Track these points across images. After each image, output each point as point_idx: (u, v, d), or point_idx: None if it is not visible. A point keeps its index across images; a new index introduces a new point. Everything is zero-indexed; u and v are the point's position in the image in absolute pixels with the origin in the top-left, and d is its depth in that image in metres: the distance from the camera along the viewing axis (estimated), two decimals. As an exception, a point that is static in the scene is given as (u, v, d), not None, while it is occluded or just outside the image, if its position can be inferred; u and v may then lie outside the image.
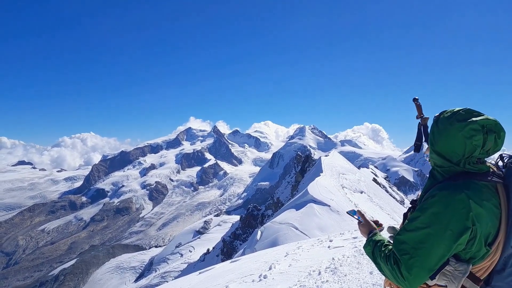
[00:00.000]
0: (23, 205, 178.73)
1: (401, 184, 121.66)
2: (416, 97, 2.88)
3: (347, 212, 2.39)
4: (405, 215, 2.00)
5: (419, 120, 2.79)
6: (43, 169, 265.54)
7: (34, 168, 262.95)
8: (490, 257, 1.68)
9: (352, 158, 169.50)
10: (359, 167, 54.28)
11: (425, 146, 2.81)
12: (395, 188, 57.38)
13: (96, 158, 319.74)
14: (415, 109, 2.88)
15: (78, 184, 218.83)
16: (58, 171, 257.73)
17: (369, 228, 2.07)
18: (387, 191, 42.34)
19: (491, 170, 1.76)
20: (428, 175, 1.95)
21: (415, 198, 1.98)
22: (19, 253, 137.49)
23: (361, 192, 28.53)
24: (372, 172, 54.13)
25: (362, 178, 35.04)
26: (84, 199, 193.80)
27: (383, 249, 1.81)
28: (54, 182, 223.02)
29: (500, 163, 1.86)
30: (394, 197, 40.14)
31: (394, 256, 1.70)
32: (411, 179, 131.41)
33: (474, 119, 1.69)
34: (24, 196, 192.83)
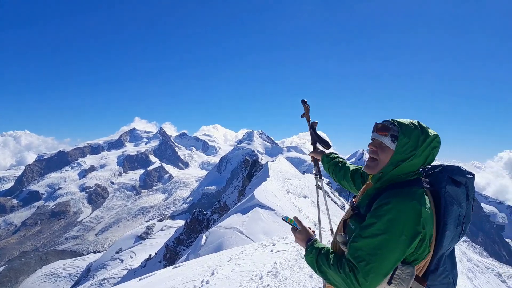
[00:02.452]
0: None
1: (342, 189, 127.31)
2: (305, 100, 3.07)
3: (282, 219, 2.29)
4: (345, 221, 1.98)
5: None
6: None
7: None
8: (426, 258, 1.79)
9: (298, 163, 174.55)
10: (303, 173, 55.90)
11: (320, 147, 3.02)
12: (336, 194, 59.95)
13: (31, 158, 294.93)
14: (304, 110, 3.05)
15: (8, 185, 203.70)
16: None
17: (307, 235, 2.01)
18: (329, 196, 44.11)
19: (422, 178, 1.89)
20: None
21: (354, 205, 1.96)
22: None
23: (305, 197, 29.42)
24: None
25: (306, 184, 36.11)
26: (15, 201, 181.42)
27: (331, 256, 1.79)
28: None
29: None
30: (335, 202, 41.86)
31: (349, 264, 1.69)
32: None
33: (434, 132, 1.81)
34: None
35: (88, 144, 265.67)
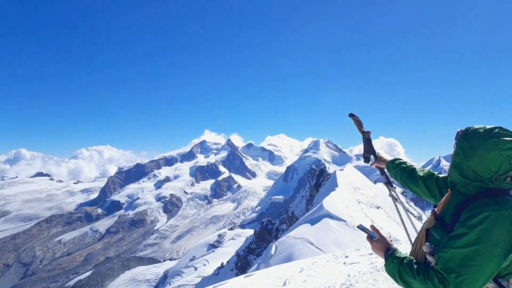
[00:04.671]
0: (41, 216, 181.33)
1: (418, 199, 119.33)
2: (353, 113, 2.96)
3: (357, 227, 2.23)
4: (427, 230, 1.88)
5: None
6: (60, 181, 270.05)
7: (51, 179, 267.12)
8: None
9: (368, 172, 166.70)
10: (375, 182, 53.49)
11: (372, 158, 2.90)
12: (412, 204, 56.30)
13: (112, 170, 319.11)
14: (354, 125, 2.96)
15: (94, 196, 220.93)
16: (74, 183, 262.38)
17: (385, 244, 1.94)
18: (404, 207, 41.59)
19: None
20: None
21: (438, 215, 1.87)
22: (36, 263, 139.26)
23: (378, 208, 28.07)
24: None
25: (379, 193, 34.50)
26: (99, 211, 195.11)
27: (415, 266, 1.72)
28: (71, 193, 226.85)
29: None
30: (411, 213, 39.34)
31: (439, 275, 1.62)
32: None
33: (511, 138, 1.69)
34: (41, 207, 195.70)
35: (162, 156, 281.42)
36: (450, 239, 1.66)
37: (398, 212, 2.88)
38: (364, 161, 3.00)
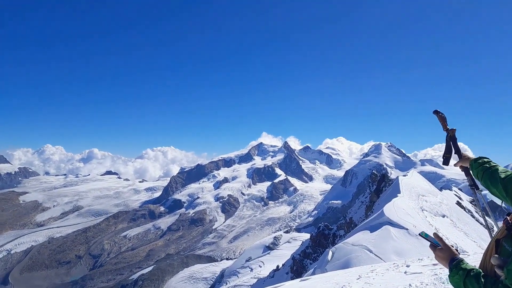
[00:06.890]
0: (109, 212, 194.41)
1: (490, 209, 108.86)
2: (437, 110, 2.86)
3: (419, 234, 2.16)
4: (497, 241, 1.76)
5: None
6: (127, 179, 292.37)
7: (119, 178, 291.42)
8: None
9: (434, 179, 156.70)
10: (441, 189, 50.20)
11: (455, 158, 2.77)
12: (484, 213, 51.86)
13: (175, 170, 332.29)
14: (439, 122, 2.85)
15: (157, 194, 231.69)
16: (140, 182, 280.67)
17: (450, 254, 1.85)
18: (473, 217, 38.38)
19: None
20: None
21: (510, 224, 1.73)
22: (104, 256, 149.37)
23: (443, 216, 26.28)
24: (455, 195, 49.66)
25: (445, 201, 32.27)
26: (162, 208, 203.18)
27: (483, 280, 1.61)
28: (136, 191, 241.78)
29: None
30: (481, 224, 36.23)
31: None
32: (502, 204, 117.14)
33: None
34: (110, 203, 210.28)
35: (221, 158, 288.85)
36: None
37: (485, 219, 2.78)
38: (443, 163, 2.87)
